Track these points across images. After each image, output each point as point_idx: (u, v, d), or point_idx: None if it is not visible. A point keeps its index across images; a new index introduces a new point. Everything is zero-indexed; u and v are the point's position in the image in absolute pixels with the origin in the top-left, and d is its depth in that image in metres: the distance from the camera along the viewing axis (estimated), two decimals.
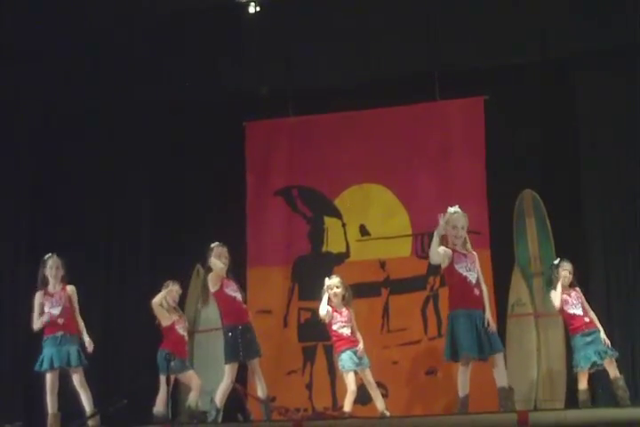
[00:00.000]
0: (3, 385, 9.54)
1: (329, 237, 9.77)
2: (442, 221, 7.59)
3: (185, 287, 9.33)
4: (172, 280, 8.96)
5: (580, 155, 9.24)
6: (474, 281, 7.58)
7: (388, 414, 8.19)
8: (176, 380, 8.73)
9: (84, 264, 9.36)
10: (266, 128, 10.09)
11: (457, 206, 7.75)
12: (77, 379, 8.22)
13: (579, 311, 8.07)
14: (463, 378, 7.54)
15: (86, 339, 8.33)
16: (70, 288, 8.44)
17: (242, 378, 8.54)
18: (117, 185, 10.15)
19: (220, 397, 8.17)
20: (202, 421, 8.21)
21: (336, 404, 9.12)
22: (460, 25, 9.27)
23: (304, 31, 9.64)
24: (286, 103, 9.84)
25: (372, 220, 9.69)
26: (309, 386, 9.52)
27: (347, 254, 9.69)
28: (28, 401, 9.32)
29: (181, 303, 9.24)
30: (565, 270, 8.20)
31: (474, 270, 7.62)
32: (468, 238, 7.76)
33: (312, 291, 8.88)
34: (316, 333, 9.09)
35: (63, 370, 8.24)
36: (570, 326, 8.14)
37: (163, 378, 8.46)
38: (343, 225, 9.76)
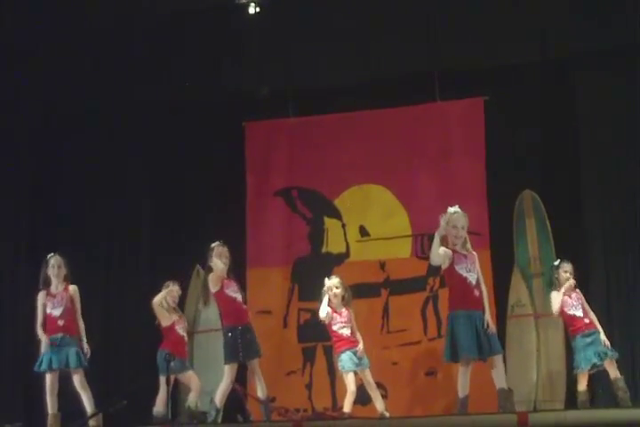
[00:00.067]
0: (3, 385, 9.55)
1: (329, 238, 9.77)
2: (442, 222, 7.58)
3: (185, 288, 9.34)
4: (172, 280, 8.96)
5: (580, 155, 9.23)
6: (474, 282, 7.58)
7: (387, 414, 8.19)
8: (176, 380, 8.74)
9: (84, 264, 9.35)
10: (266, 128, 10.08)
11: (457, 206, 7.74)
12: (78, 380, 8.23)
13: (579, 313, 8.07)
14: (463, 379, 7.54)
15: (84, 344, 8.33)
16: (72, 288, 8.43)
17: (242, 378, 8.53)
18: (117, 185, 10.14)
19: (219, 397, 8.17)
20: (201, 421, 8.20)
21: (336, 404, 9.12)
22: (460, 25, 9.26)
23: (304, 31, 9.64)
24: (286, 103, 9.84)
25: (371, 220, 9.69)
26: (309, 386, 9.52)
27: (346, 255, 9.69)
28: (28, 401, 9.34)
29: (181, 304, 9.24)
30: (566, 272, 8.20)
31: (474, 271, 7.61)
32: (468, 238, 7.75)
33: (312, 292, 8.87)
34: (315, 333, 9.09)
35: (63, 371, 8.25)
36: (570, 327, 8.14)
37: (162, 378, 8.46)
38: (343, 226, 9.75)
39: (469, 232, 7.81)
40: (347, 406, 8.16)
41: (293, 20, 9.65)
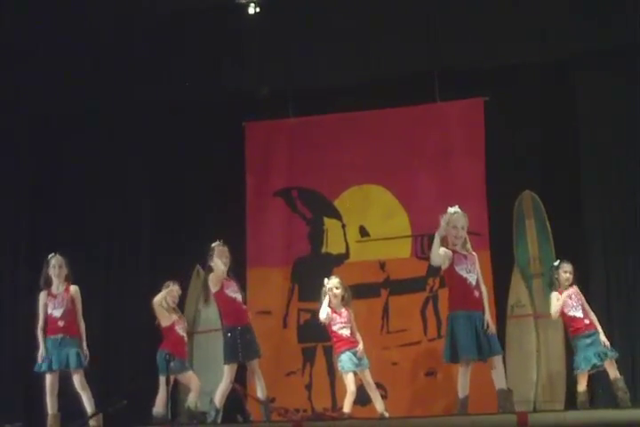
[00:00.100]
0: (3, 385, 9.56)
1: (329, 238, 9.76)
2: (443, 223, 7.58)
3: (185, 288, 9.34)
4: (172, 281, 8.97)
5: (580, 155, 9.22)
6: (474, 283, 7.58)
7: (387, 415, 8.20)
8: (175, 380, 8.75)
9: (84, 264, 9.34)
10: (266, 128, 10.07)
11: (457, 206, 7.73)
12: (78, 380, 8.23)
13: (579, 313, 8.07)
14: (463, 379, 7.54)
15: (84, 347, 8.32)
16: (74, 289, 8.42)
17: (241, 379, 8.54)
18: (117, 185, 10.14)
19: (218, 397, 8.18)
20: (201, 421, 8.21)
21: (335, 405, 9.11)
22: (460, 25, 9.25)
23: (304, 31, 9.63)
24: (286, 103, 9.83)
25: (371, 221, 9.68)
26: (309, 387, 9.51)
27: (346, 255, 9.68)
28: (28, 401, 9.34)
29: (181, 304, 9.24)
30: (566, 272, 8.20)
31: (474, 272, 7.61)
32: (468, 239, 7.75)
33: (312, 292, 8.88)
34: (315, 334, 9.08)
35: (64, 371, 8.24)
36: (570, 328, 8.14)
37: (162, 379, 8.47)
38: (343, 226, 9.75)
39: (469, 232, 7.81)
40: (346, 407, 8.17)
41: (293, 20, 9.64)
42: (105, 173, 10.12)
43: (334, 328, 8.37)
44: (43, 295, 8.39)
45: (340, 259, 9.67)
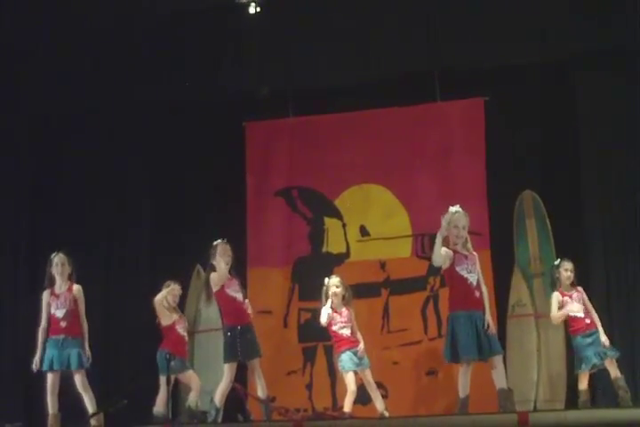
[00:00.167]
0: (3, 385, 9.55)
1: (329, 238, 9.77)
2: (444, 223, 7.57)
3: (185, 287, 9.33)
4: (172, 280, 8.96)
5: (580, 155, 9.23)
6: (474, 283, 7.58)
7: (387, 414, 8.20)
8: (176, 380, 8.74)
9: (84, 264, 9.31)
10: (266, 128, 10.08)
11: (458, 206, 7.73)
12: (79, 381, 8.21)
13: (580, 313, 8.07)
14: (464, 379, 7.54)
15: (86, 347, 8.29)
16: (77, 289, 8.39)
17: (242, 378, 8.53)
18: (117, 185, 10.14)
19: (219, 397, 8.17)
20: (202, 421, 8.20)
21: (336, 404, 9.12)
22: (460, 25, 9.25)
23: (304, 31, 9.63)
24: (286, 103, 9.83)
25: (372, 220, 9.69)
26: (309, 386, 9.51)
27: (347, 255, 9.69)
28: (28, 401, 9.34)
29: (181, 303, 9.24)
30: (566, 270, 8.20)
31: (474, 272, 7.61)
32: (469, 239, 7.75)
33: (312, 291, 8.89)
34: (316, 333, 9.08)
35: (65, 371, 8.23)
36: (570, 327, 8.14)
37: (163, 378, 8.49)
38: (343, 226, 9.75)
39: (470, 232, 7.81)
40: (347, 406, 8.18)
41: (293, 20, 9.64)
42: (105, 173, 10.12)
43: (335, 328, 8.37)
44: (46, 294, 8.37)
45: (341, 258, 9.67)
